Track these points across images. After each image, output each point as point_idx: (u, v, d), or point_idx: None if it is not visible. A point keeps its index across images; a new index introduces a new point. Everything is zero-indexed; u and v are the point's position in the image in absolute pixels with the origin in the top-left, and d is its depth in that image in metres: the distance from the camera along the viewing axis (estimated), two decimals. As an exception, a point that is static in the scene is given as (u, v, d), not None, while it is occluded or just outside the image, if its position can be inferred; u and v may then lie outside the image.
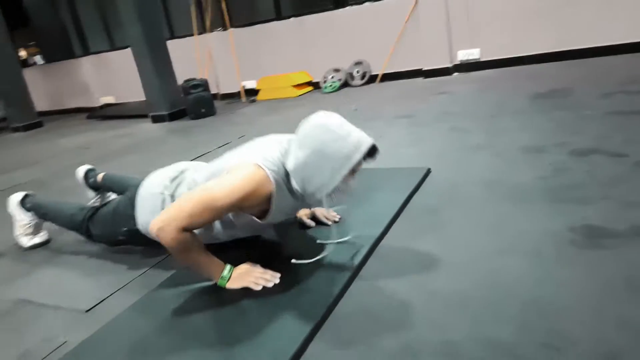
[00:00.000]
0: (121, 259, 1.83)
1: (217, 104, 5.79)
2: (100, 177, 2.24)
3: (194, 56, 6.33)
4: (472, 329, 1.12)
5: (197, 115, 5.19)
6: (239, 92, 6.19)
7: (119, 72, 7.28)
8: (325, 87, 5.51)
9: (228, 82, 6.37)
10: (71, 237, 2.12)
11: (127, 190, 1.75)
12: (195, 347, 1.19)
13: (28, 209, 2.08)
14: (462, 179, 2.05)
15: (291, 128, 1.56)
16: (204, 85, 5.23)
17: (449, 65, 4.99)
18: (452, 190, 1.96)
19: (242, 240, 1.69)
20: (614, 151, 2.04)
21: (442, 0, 4.80)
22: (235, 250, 1.67)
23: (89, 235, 1.84)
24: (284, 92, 5.60)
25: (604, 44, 4.30)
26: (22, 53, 10.28)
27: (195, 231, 1.35)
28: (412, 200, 1.92)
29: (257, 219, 1.47)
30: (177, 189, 1.61)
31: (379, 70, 5.42)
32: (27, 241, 2.09)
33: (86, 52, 7.94)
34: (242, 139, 3.48)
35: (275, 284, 1.41)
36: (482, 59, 4.87)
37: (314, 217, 1.78)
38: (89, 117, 6.86)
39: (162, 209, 1.58)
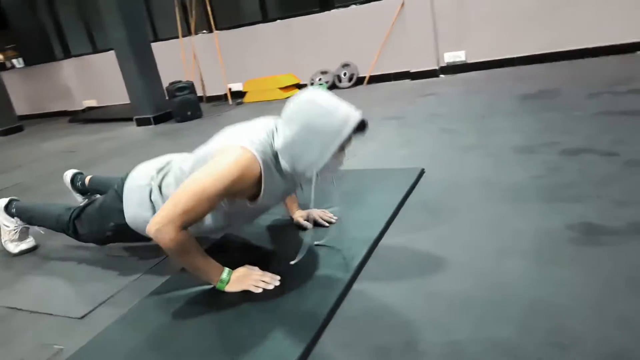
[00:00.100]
0: (112, 264, 1.79)
1: (204, 106, 5.73)
2: (87, 180, 2.21)
3: (179, 59, 6.27)
4: (476, 330, 1.12)
5: (184, 118, 5.13)
6: (225, 95, 6.15)
7: (102, 75, 7.16)
8: (313, 90, 5.49)
9: (214, 84, 6.31)
10: (59, 242, 2.07)
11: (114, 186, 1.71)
12: (197, 352, 1.17)
13: (13, 215, 2.02)
14: (457, 180, 2.06)
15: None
16: (190, 87, 5.18)
17: (436, 67, 5.03)
18: (447, 191, 1.96)
19: (239, 243, 1.67)
20: (604, 150, 2.07)
21: (428, 2, 4.84)
22: (233, 253, 1.65)
23: (77, 235, 1.79)
24: (271, 94, 5.57)
25: (590, 45, 4.39)
26: (0, 56, 10.04)
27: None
28: (407, 201, 1.92)
29: (249, 204, 1.42)
30: (163, 179, 1.57)
31: (366, 72, 5.43)
32: (13, 248, 2.03)
33: (67, 54, 7.79)
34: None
35: (275, 287, 1.39)
36: (468, 61, 4.93)
37: (310, 219, 1.77)
38: (71, 121, 6.73)
39: (150, 200, 1.55)
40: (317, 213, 1.77)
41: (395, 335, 1.14)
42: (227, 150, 1.33)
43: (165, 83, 5.33)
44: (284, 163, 1.36)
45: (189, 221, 1.28)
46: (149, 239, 1.68)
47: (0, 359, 1.32)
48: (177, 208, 1.26)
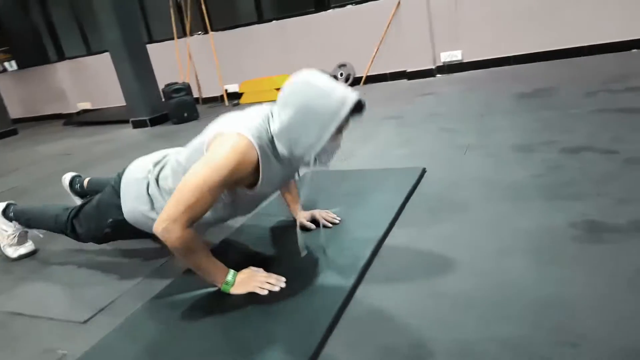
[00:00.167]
0: (112, 269, 1.78)
1: (200, 108, 5.71)
2: (85, 182, 2.20)
3: (175, 60, 6.24)
4: (484, 328, 1.11)
5: (180, 120, 5.11)
6: (221, 96, 6.13)
7: (96, 77, 7.12)
8: (309, 90, 5.49)
9: (210, 86, 6.29)
10: (58, 246, 2.05)
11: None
12: (202, 357, 1.16)
13: (11, 219, 2.00)
14: (458, 179, 2.06)
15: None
16: (186, 89, 5.16)
17: (432, 66, 5.04)
18: (449, 190, 1.96)
19: (243, 245, 1.66)
20: (603, 148, 2.08)
21: (424, 2, 4.85)
22: (236, 256, 1.64)
23: (75, 234, 1.77)
24: (267, 95, 5.55)
25: (585, 44, 4.41)
26: (-7, 59, 9.96)
27: None
28: (410, 201, 1.92)
29: (249, 192, 1.41)
30: (160, 172, 1.56)
31: (362, 73, 5.43)
32: (12, 252, 2.01)
33: (61, 57, 7.73)
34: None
35: (280, 288, 1.38)
36: (465, 60, 4.94)
37: (314, 220, 1.76)
38: (65, 124, 6.68)
39: (148, 193, 1.54)
40: (320, 214, 1.76)
41: (402, 336, 1.14)
42: (223, 139, 1.31)
43: (160, 85, 5.30)
44: (281, 148, 1.34)
45: (195, 217, 1.27)
46: (147, 235, 1.67)
47: (4, 365, 1.31)
48: (180, 205, 1.25)
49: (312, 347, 1.12)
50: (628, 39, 4.24)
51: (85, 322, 1.43)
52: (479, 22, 4.76)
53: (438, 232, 1.62)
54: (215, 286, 1.41)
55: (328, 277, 1.41)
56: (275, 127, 1.33)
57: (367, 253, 1.51)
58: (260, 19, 5.92)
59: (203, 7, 5.82)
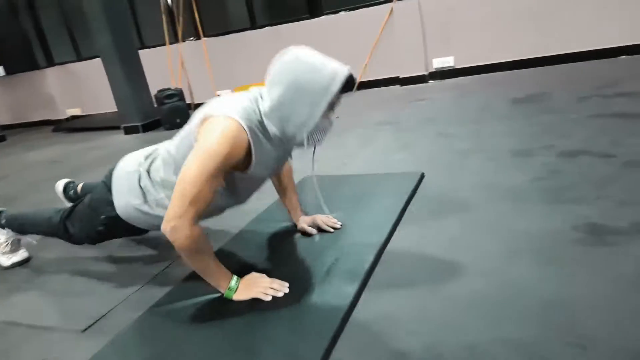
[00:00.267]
0: (109, 277, 1.75)
1: (192, 114, 5.66)
2: (79, 188, 2.16)
3: (167, 66, 6.21)
4: (493, 331, 1.11)
5: (173, 126, 5.06)
6: (213, 102, 6.09)
7: (86, 83, 7.04)
8: (302, 96, 5.48)
9: (202, 91, 6.26)
10: (52, 254, 2.02)
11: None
12: (210, 363, 1.13)
13: (3, 226, 1.96)
14: (457, 183, 2.06)
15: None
16: (178, 94, 5.12)
17: (425, 73, 5.07)
18: (449, 194, 1.96)
19: (244, 251, 1.64)
20: (601, 152, 2.10)
21: (417, 8, 4.89)
22: (238, 262, 1.62)
23: (69, 236, 1.74)
24: (261, 101, 5.54)
25: (575, 50, 4.46)
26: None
27: None
28: (410, 205, 1.91)
29: (244, 175, 1.38)
30: (152, 164, 1.54)
31: (356, 78, 5.44)
32: (5, 260, 1.96)
33: (50, 63, 7.64)
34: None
35: (284, 294, 1.36)
36: (457, 67, 4.98)
37: (315, 225, 1.74)
38: (55, 130, 6.59)
39: (140, 186, 1.51)
40: (321, 219, 1.75)
41: (412, 340, 1.12)
42: (212, 124, 1.28)
43: (153, 90, 5.26)
44: (272, 128, 1.32)
45: (200, 210, 1.25)
46: (142, 231, 1.65)
47: (2, 376, 1.27)
48: (184, 200, 1.23)
49: (320, 353, 1.10)
50: (617, 45, 4.30)
51: (84, 330, 1.40)
52: (471, 28, 4.80)
53: (440, 236, 1.62)
54: (217, 292, 1.39)
55: (332, 283, 1.40)
56: (265, 105, 1.31)
57: (370, 257, 1.50)
58: (254, 25, 5.91)
59: (195, 12, 5.80)
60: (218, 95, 6.04)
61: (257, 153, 1.33)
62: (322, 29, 5.46)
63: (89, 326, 1.42)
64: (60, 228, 1.73)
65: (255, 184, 1.52)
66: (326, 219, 1.75)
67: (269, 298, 1.34)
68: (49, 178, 2.42)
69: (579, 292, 1.19)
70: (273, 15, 5.89)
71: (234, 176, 1.38)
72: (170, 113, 5.05)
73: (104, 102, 6.37)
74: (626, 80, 3.34)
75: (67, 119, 7.47)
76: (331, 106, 1.30)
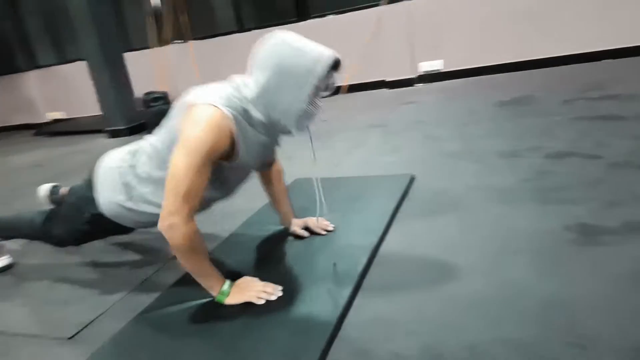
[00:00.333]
0: (94, 282, 1.71)
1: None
2: (64, 191, 2.09)
3: (153, 69, 6.14)
4: (491, 331, 1.11)
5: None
6: (200, 105, 6.04)
7: (69, 86, 6.93)
8: (290, 99, 5.46)
9: (188, 95, 6.20)
10: (36, 260, 1.97)
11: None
12: (203, 370, 1.11)
13: (-16, 232, 1.90)
14: (448, 185, 2.06)
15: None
16: (164, 98, 5.08)
17: (412, 76, 5.10)
18: (439, 196, 1.96)
19: (236, 255, 1.61)
20: (587, 154, 2.12)
21: (405, 12, 4.92)
22: (230, 265, 1.59)
23: (52, 237, 1.68)
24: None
25: (560, 54, 4.53)
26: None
27: None
28: (402, 207, 1.91)
29: (232, 164, 1.35)
30: (137, 159, 1.49)
31: (343, 81, 5.45)
32: (-13, 266, 1.90)
33: (32, 65, 7.50)
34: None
35: (277, 297, 1.34)
36: (443, 70, 5.01)
37: (307, 228, 1.73)
38: (36, 134, 6.46)
39: (123, 182, 1.47)
40: (312, 222, 1.73)
41: (410, 341, 1.11)
42: (195, 114, 1.25)
43: (138, 93, 5.20)
44: (257, 114, 1.30)
45: (193, 205, 1.23)
46: (127, 229, 1.60)
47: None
48: (177, 196, 1.20)
49: (316, 356, 1.09)
50: (600, 49, 4.38)
51: (71, 338, 1.36)
52: (458, 33, 4.84)
53: (432, 237, 1.62)
54: (207, 297, 1.36)
55: (326, 285, 1.38)
56: (251, 92, 1.29)
57: (364, 259, 1.49)
58: (241, 28, 5.88)
59: (182, 15, 5.75)
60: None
61: (242, 140, 1.30)
62: (310, 32, 5.41)
63: (76, 334, 1.37)
64: (43, 230, 1.68)
65: (242, 174, 1.48)
66: (317, 222, 1.74)
67: (262, 302, 1.32)
68: (30, 184, 2.36)
69: (578, 292, 1.20)
70: (261, 18, 5.88)
71: (222, 166, 1.34)
72: (156, 116, 4.95)
73: (88, 105, 6.27)
74: (610, 83, 3.40)
75: (48, 123, 7.33)
76: (317, 90, 1.28)
